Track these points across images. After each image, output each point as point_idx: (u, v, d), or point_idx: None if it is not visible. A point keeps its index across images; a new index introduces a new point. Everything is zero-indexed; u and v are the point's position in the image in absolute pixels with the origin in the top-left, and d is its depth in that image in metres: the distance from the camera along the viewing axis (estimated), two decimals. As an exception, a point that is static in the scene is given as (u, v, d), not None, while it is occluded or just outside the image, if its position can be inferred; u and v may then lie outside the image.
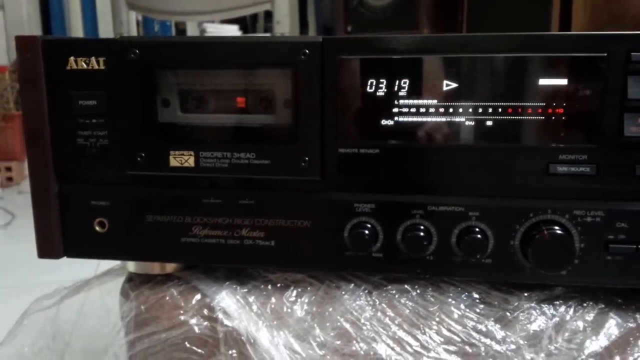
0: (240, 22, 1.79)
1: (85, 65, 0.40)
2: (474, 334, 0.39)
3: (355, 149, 0.39)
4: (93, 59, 0.40)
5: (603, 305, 0.40)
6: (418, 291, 0.41)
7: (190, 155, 0.40)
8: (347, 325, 0.40)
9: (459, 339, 0.39)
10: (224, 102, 0.40)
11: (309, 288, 0.42)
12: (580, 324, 0.39)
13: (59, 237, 0.43)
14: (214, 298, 0.43)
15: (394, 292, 0.41)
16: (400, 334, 0.40)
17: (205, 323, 0.42)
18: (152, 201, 0.42)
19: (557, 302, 0.40)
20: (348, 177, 0.39)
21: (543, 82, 0.36)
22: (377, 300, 0.41)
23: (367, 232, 0.39)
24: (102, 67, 0.40)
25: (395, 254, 0.39)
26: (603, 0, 0.77)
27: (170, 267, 0.45)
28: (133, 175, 0.41)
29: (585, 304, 0.40)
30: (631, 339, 0.39)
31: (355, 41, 0.38)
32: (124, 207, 0.42)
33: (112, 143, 0.41)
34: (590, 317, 0.40)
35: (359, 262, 0.40)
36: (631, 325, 0.39)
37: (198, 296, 0.43)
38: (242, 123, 0.39)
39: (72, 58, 0.40)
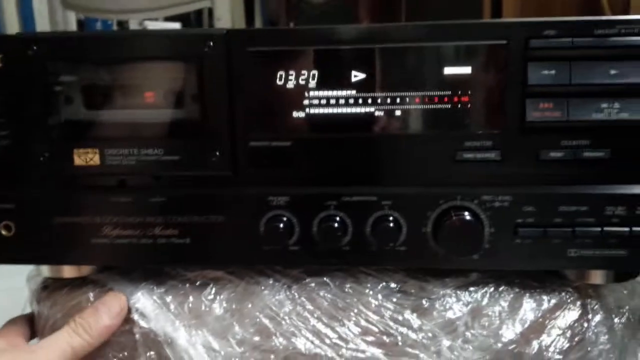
0: (184, 19, 1.76)
1: (-19, 63, 0.38)
2: (391, 324, 0.39)
3: (266, 142, 0.38)
4: (-10, 56, 0.38)
5: (518, 290, 0.41)
6: (337, 283, 0.41)
7: (95, 153, 0.38)
8: (266, 321, 0.40)
9: (376, 330, 0.39)
10: (130, 98, 0.39)
11: (227, 285, 0.42)
12: (497, 309, 0.40)
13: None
14: (130, 299, 0.41)
15: (313, 285, 0.41)
16: (319, 326, 0.39)
17: (122, 327, 0.41)
18: (59, 202, 0.40)
19: (473, 289, 0.41)
20: (260, 170, 0.39)
21: (448, 70, 0.37)
22: (296, 294, 0.41)
23: (282, 225, 0.38)
24: (-1, 64, 0.38)
25: (312, 246, 0.39)
26: None
27: (85, 269, 0.43)
28: (38, 175, 0.39)
29: (500, 289, 0.41)
30: (546, 321, 0.40)
31: (261, 33, 0.37)
32: (30, 210, 0.40)
33: (14, 143, 0.39)
34: (506, 302, 0.40)
35: (276, 255, 0.40)
36: (545, 307, 0.40)
37: (113, 298, 0.42)
38: (150, 119, 0.38)
39: (-33, 56, 0.38)
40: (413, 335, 0.39)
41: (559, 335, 0.40)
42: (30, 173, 0.39)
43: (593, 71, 0.35)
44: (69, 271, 0.43)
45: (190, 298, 0.41)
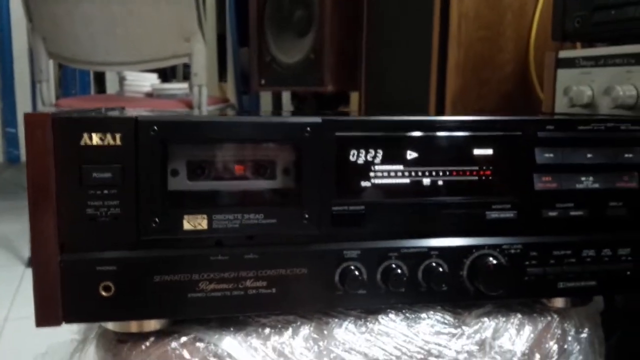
0: (160, 70, 1.78)
1: (100, 142, 0.43)
2: (438, 347, 0.49)
3: (345, 206, 0.48)
4: (109, 135, 0.43)
5: (520, 316, 0.54)
6: (391, 316, 0.50)
7: (204, 218, 0.45)
8: (343, 354, 0.48)
9: (425, 352, 0.49)
10: (237, 172, 0.46)
11: (301, 326, 0.49)
12: (509, 331, 0.52)
13: (59, 303, 0.44)
14: (218, 344, 0.47)
15: (374, 321, 0.50)
16: (389, 348, 0.49)
17: (211, 369, 0.47)
18: (161, 262, 0.46)
19: (491, 317, 0.53)
20: (339, 229, 0.48)
21: (476, 152, 0.50)
22: (364, 329, 0.50)
23: (356, 273, 0.48)
24: (118, 142, 0.44)
25: (376, 289, 0.49)
26: (471, 67, 0.96)
27: (161, 322, 0.48)
28: (145, 239, 0.45)
29: (509, 316, 0.53)
30: (542, 338, 0.53)
31: (345, 122, 0.47)
32: (131, 270, 0.45)
33: (123, 212, 0.44)
34: (514, 325, 0.53)
35: (348, 299, 0.49)
36: (540, 328, 0.54)
37: (201, 344, 0.47)
38: (253, 188, 0.46)
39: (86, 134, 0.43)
40: (458, 356, 0.49)
41: (551, 347, 0.53)
42: (134, 237, 0.45)
43: (576, 154, 0.50)
44: (150, 325, 0.48)
45: (272, 339, 0.48)
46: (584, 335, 0.56)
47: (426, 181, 0.49)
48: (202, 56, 1.35)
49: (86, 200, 0.44)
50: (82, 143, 0.43)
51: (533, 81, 0.97)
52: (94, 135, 0.43)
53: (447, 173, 0.49)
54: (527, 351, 0.52)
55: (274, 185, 0.47)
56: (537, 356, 0.52)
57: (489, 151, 0.50)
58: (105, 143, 0.44)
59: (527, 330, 0.53)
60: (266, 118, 0.46)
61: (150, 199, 0.44)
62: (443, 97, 1.00)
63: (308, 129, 0.46)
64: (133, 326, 0.48)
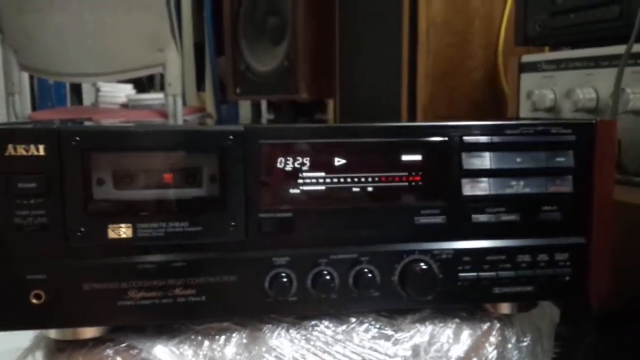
0: (136, 81, 1.81)
1: (24, 152, 0.44)
2: (372, 352, 0.50)
3: (272, 213, 0.48)
4: (32, 146, 0.45)
5: (459, 321, 0.54)
6: (325, 323, 0.51)
7: (129, 227, 0.46)
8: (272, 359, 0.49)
9: (360, 358, 0.49)
10: (160, 180, 0.47)
11: (234, 333, 0.50)
12: (445, 336, 0.53)
13: (-11, 312, 0.45)
14: (150, 352, 0.48)
15: (307, 327, 0.51)
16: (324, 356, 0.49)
17: (142, 377, 0.47)
18: (89, 270, 0.46)
19: (427, 322, 0.53)
20: (267, 236, 0.48)
21: (405, 157, 0.50)
22: (295, 335, 0.50)
23: (285, 280, 0.48)
24: (42, 153, 0.45)
25: (307, 296, 0.49)
26: (440, 74, 0.97)
27: (101, 329, 0.49)
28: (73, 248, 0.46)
29: (446, 321, 0.53)
30: (480, 343, 0.53)
31: (268, 129, 0.48)
32: (60, 279, 0.46)
33: (50, 221, 0.45)
34: (451, 330, 0.53)
35: (279, 306, 0.49)
36: (478, 333, 0.53)
37: (134, 352, 0.48)
38: (177, 197, 0.47)
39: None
40: (389, 361, 0.50)
41: (489, 353, 0.53)
42: (62, 246, 0.46)
43: (505, 159, 0.51)
44: (86, 332, 0.49)
45: (204, 346, 0.49)
46: (525, 343, 0.56)
47: (355, 187, 0.49)
48: (176, 66, 1.37)
49: (13, 210, 0.45)
50: (7, 154, 0.44)
51: (503, 86, 0.97)
52: (18, 146, 0.44)
53: (376, 179, 0.49)
54: (463, 356, 0.52)
55: (200, 194, 0.47)
56: (474, 362, 0.52)
57: (418, 157, 0.50)
58: (30, 154, 0.45)
59: (465, 335, 0.53)
60: (189, 127, 0.47)
61: (75, 208, 0.45)
62: (415, 104, 1.01)
63: (231, 137, 0.46)
64: (71, 334, 0.49)
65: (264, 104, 1.82)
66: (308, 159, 0.49)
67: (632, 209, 0.69)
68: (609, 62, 0.76)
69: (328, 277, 0.49)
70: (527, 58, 0.88)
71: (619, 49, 0.72)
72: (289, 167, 0.48)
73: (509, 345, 0.54)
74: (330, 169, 0.49)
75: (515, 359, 0.55)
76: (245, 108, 1.98)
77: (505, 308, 0.55)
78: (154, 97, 1.78)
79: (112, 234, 0.46)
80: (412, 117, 1.00)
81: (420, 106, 0.98)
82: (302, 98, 1.33)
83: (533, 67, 0.87)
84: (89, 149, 0.45)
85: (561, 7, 0.83)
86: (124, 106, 1.80)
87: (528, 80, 0.88)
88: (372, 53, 1.10)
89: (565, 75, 0.83)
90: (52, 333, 0.49)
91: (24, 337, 0.54)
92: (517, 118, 0.84)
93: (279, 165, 0.48)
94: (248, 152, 0.47)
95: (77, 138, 0.45)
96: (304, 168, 0.48)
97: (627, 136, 0.73)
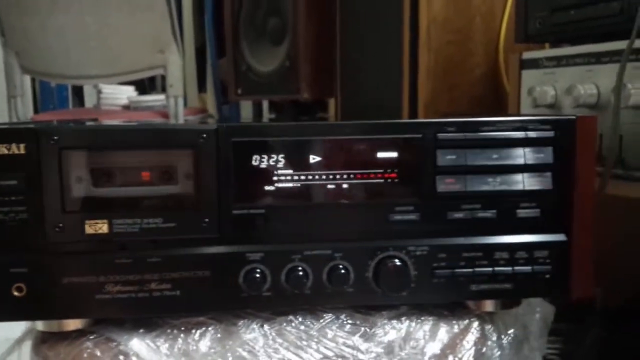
0: (137, 83, 1.85)
1: (6, 151, 0.46)
2: (344, 348, 0.50)
3: (245, 210, 0.49)
4: (14, 145, 0.46)
5: (436, 317, 0.54)
6: (300, 319, 0.51)
7: (105, 223, 0.47)
8: (245, 354, 0.49)
9: (333, 354, 0.50)
10: (136, 177, 0.48)
11: (210, 328, 0.51)
12: (421, 333, 0.53)
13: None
14: (127, 345, 0.49)
15: (281, 322, 0.51)
16: (289, 355, 0.50)
17: (120, 368, 0.49)
18: (69, 265, 0.48)
19: (403, 318, 0.53)
20: (241, 232, 0.49)
21: (380, 155, 0.50)
22: (267, 330, 0.51)
23: (258, 275, 0.49)
24: (22, 152, 0.46)
25: (281, 291, 0.50)
26: (441, 72, 0.96)
27: (83, 322, 0.51)
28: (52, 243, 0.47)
29: (422, 318, 0.53)
30: (457, 340, 0.53)
31: (241, 128, 0.49)
32: (41, 272, 0.48)
33: (30, 216, 0.47)
34: (427, 327, 0.53)
35: (253, 301, 0.50)
36: (456, 330, 0.53)
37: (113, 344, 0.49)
38: (151, 194, 0.48)
39: (-8, 144, 0.46)
40: (362, 356, 0.50)
41: (467, 351, 0.53)
42: (42, 241, 0.47)
43: (481, 156, 0.50)
44: (70, 324, 0.50)
45: (179, 340, 0.50)
46: (507, 340, 0.55)
47: (329, 184, 0.50)
48: (177, 68, 1.39)
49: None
50: (-9, 153, 0.46)
51: (504, 83, 0.96)
52: (0, 146, 0.46)
53: (351, 176, 0.50)
54: (439, 353, 0.52)
55: (175, 191, 0.48)
56: (450, 358, 0.52)
57: (393, 154, 0.50)
58: (11, 152, 0.46)
59: (442, 332, 0.53)
60: (164, 125, 0.48)
61: (53, 205, 0.47)
62: (416, 102, 1.01)
63: (204, 135, 0.47)
64: (56, 325, 0.51)
65: (265, 104, 1.83)
66: (282, 156, 0.49)
67: (634, 204, 0.68)
68: (610, 58, 0.75)
69: (302, 273, 0.49)
70: (528, 55, 0.87)
71: (620, 45, 0.71)
72: (263, 165, 0.49)
73: (489, 343, 0.54)
74: (304, 166, 0.49)
75: (496, 355, 0.54)
76: (246, 108, 1.99)
77: (488, 305, 0.55)
78: (155, 99, 1.79)
79: (89, 230, 0.47)
80: (414, 114, 0.99)
81: (422, 104, 0.97)
82: (304, 98, 1.34)
83: (534, 63, 0.86)
84: (66, 147, 0.47)
85: (561, 4, 0.82)
86: (126, 108, 1.82)
87: (529, 76, 0.87)
88: (373, 51, 1.10)
89: (566, 71, 0.81)
90: (39, 325, 0.51)
91: (16, 330, 0.57)
92: (516, 114, 0.83)
93: (253, 163, 0.49)
94: (221, 150, 0.48)
95: (55, 137, 0.46)
96: (278, 165, 0.49)
97: (629, 131, 0.72)
